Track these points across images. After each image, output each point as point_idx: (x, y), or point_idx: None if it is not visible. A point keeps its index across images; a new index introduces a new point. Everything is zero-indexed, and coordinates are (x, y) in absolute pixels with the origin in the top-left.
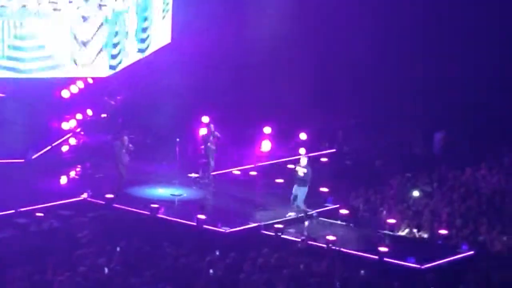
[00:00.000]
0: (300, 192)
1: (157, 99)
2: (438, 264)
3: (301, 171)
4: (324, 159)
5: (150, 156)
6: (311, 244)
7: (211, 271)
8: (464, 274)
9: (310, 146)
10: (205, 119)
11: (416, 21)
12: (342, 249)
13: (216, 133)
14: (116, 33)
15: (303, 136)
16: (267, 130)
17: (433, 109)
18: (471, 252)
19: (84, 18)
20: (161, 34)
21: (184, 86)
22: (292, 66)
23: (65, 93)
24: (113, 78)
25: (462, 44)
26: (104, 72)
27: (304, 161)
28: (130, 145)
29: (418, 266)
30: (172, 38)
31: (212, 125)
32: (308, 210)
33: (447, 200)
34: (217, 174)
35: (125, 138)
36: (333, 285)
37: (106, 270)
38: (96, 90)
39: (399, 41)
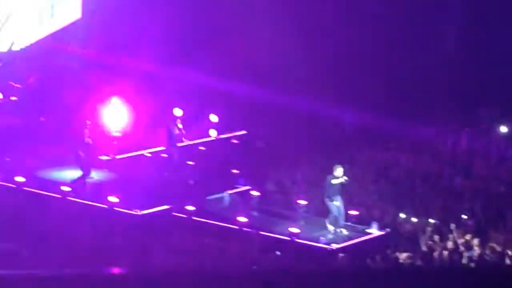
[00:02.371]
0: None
1: (68, 80)
2: (348, 245)
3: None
4: (235, 141)
5: (61, 138)
6: (225, 226)
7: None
8: (374, 254)
9: (221, 128)
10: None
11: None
12: (255, 231)
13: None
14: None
15: (213, 118)
16: (177, 112)
17: (343, 89)
18: (382, 233)
19: None
20: (69, 8)
21: (95, 65)
22: (204, 46)
23: None
24: (22, 59)
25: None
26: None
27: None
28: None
29: (329, 247)
30: (83, 13)
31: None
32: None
33: (358, 181)
34: (128, 156)
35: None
36: (248, 267)
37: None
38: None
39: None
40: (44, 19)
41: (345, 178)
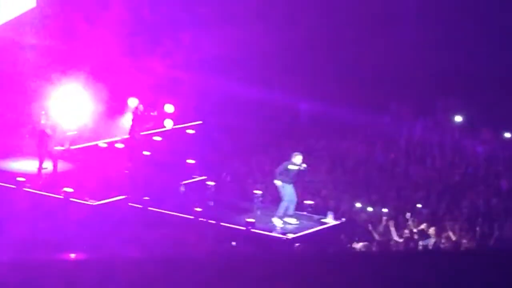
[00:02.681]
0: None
1: (23, 70)
2: (304, 234)
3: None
4: (190, 131)
5: (14, 130)
6: (181, 216)
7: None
8: (329, 244)
9: (177, 118)
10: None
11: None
12: (210, 221)
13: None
14: None
15: (169, 108)
16: (132, 102)
17: (299, 80)
18: (337, 222)
19: None
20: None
21: (50, 55)
22: (159, 36)
23: None
24: None
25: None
26: None
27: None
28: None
29: (285, 236)
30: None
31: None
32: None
33: (313, 171)
34: (83, 147)
35: None
36: (203, 257)
37: None
38: None
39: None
40: None
41: (304, 165)
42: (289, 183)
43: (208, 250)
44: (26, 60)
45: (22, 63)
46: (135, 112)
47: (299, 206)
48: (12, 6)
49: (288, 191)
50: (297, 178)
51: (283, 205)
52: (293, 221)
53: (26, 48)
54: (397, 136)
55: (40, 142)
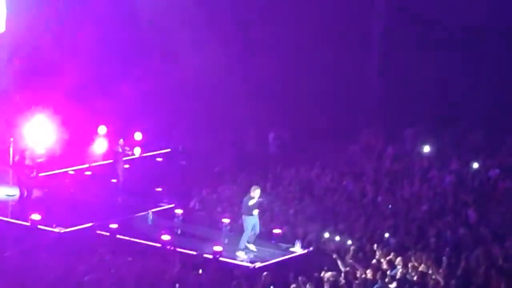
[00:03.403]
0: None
1: None
2: (272, 263)
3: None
4: (159, 159)
5: None
6: (148, 243)
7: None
8: (297, 273)
9: (145, 145)
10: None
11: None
12: (178, 249)
13: (127, 148)
14: None
15: (138, 135)
16: (102, 129)
17: (268, 108)
18: (305, 251)
19: None
20: None
21: (20, 82)
22: (127, 64)
23: None
24: None
25: (301, 42)
26: None
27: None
28: None
29: (252, 265)
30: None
31: (121, 140)
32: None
33: (282, 200)
34: (52, 174)
35: None
36: (171, 285)
37: None
38: None
39: (236, 38)
40: None
41: (261, 199)
42: (250, 215)
43: (174, 278)
44: None
45: None
46: (115, 149)
47: (267, 235)
48: None
49: (249, 223)
50: (259, 209)
51: (244, 237)
52: (252, 247)
53: None
54: (366, 165)
55: (21, 170)
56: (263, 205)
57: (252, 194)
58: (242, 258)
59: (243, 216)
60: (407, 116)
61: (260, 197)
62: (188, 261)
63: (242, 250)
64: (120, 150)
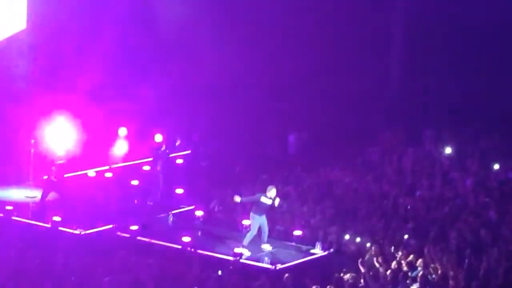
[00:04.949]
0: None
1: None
2: (292, 265)
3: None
4: (179, 161)
5: (2, 156)
6: (168, 245)
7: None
8: (318, 274)
9: (166, 147)
10: (123, 131)
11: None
12: (198, 251)
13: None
14: None
15: (158, 137)
16: (122, 131)
17: (288, 109)
18: (325, 253)
19: None
20: (11, 20)
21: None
22: (147, 65)
23: None
24: None
25: (321, 43)
26: None
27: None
28: None
29: (272, 267)
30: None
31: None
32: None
33: (302, 201)
34: (72, 175)
35: None
36: (190, 287)
37: None
38: None
39: (256, 39)
40: None
41: (278, 200)
42: (260, 215)
43: (195, 280)
44: (15, 87)
45: (11, 90)
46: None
47: (288, 237)
48: (2, 27)
49: (256, 223)
50: (269, 211)
51: (249, 236)
52: (268, 247)
53: (15, 74)
54: (387, 167)
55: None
56: (273, 206)
57: (268, 194)
58: (246, 255)
59: (251, 214)
60: (427, 117)
61: (275, 197)
62: (208, 262)
63: (245, 247)
64: (163, 149)
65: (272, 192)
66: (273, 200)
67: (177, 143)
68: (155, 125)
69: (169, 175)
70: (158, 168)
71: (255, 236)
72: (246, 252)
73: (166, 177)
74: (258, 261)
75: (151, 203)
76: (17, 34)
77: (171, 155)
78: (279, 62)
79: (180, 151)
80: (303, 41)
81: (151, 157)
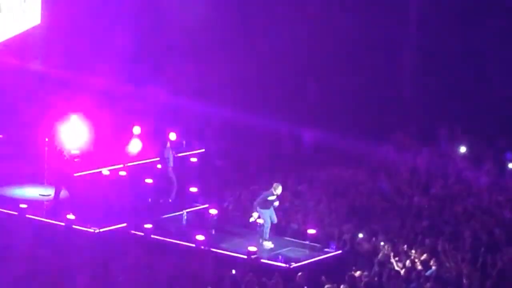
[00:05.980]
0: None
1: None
2: (306, 263)
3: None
4: (193, 159)
5: (16, 154)
6: (182, 244)
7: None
8: (332, 273)
9: (179, 146)
10: (137, 130)
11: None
12: (212, 249)
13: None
14: None
15: (172, 136)
16: (136, 130)
17: (302, 108)
18: (339, 252)
19: None
20: (25, 15)
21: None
22: (160, 64)
23: None
24: None
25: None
26: None
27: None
28: None
29: (287, 265)
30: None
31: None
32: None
33: (316, 200)
34: (86, 174)
35: None
36: (204, 285)
37: None
38: None
39: (270, 38)
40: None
41: (277, 203)
42: (266, 208)
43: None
44: (28, 83)
45: (24, 86)
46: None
47: (302, 236)
48: (16, 22)
49: (266, 215)
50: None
51: (266, 229)
52: (269, 244)
53: (29, 70)
54: (401, 166)
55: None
56: (277, 202)
57: (274, 191)
58: (269, 246)
59: (258, 209)
60: (442, 115)
61: (280, 194)
62: (222, 261)
63: (268, 240)
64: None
65: (278, 189)
66: (277, 197)
67: (184, 143)
68: (168, 124)
69: (182, 174)
70: (170, 166)
71: (269, 236)
72: (270, 244)
73: (177, 176)
74: (273, 260)
75: (171, 201)
76: (31, 29)
77: (178, 154)
78: (293, 62)
79: (191, 150)
80: (316, 40)
81: (158, 157)
